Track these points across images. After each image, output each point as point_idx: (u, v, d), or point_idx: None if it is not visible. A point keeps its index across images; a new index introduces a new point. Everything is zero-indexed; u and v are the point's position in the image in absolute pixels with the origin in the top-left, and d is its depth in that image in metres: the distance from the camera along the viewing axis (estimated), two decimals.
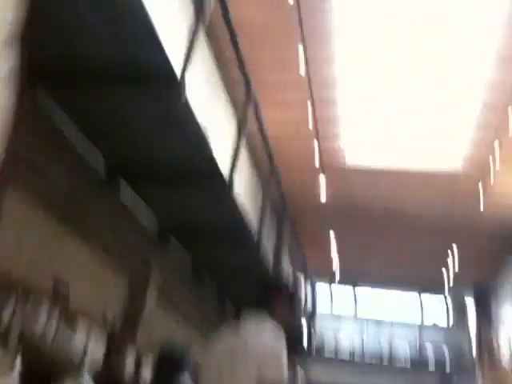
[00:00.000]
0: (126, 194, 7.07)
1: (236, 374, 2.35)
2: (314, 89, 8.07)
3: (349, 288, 17.11)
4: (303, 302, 13.19)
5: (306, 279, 13.50)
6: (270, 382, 2.29)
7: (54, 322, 5.63)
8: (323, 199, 11.20)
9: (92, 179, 6.41)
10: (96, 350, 6.58)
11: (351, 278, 16.85)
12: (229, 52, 6.40)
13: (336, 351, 16.21)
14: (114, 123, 5.69)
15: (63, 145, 5.76)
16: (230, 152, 6.84)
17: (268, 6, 7.42)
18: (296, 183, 10.77)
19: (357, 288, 17.46)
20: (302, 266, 12.84)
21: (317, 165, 10.42)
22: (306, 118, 8.67)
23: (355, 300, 17.14)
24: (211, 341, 2.65)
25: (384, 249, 14.21)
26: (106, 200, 6.74)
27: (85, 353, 6.25)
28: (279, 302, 2.74)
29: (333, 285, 17.32)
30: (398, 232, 13.01)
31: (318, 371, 13.52)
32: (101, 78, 4.93)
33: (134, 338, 7.47)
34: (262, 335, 2.45)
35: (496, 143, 10.09)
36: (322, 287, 16.91)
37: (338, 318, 17.31)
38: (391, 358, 16.10)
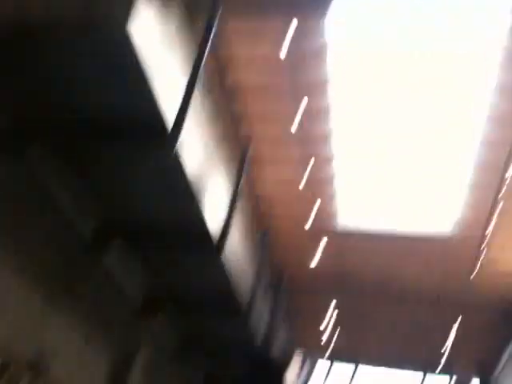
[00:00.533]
0: (113, 259, 6.57)
1: None
2: (309, 146, 7.94)
3: (348, 366, 16.24)
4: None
5: (302, 356, 12.89)
6: None
7: None
8: (316, 264, 10.75)
9: (78, 243, 5.94)
10: None
11: (350, 353, 16.06)
12: (224, 108, 6.26)
13: None
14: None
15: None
16: (222, 214, 6.50)
17: (263, 67, 7.39)
18: (289, 248, 10.41)
19: (356, 366, 16.60)
20: (295, 340, 12.28)
21: (309, 227, 10.08)
22: (300, 177, 8.48)
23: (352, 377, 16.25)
24: None
25: (383, 320, 13.61)
26: (91, 266, 6.24)
27: None
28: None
29: (329, 362, 16.48)
30: (396, 301, 12.52)
31: None
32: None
33: None
34: None
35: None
36: (320, 364, 16.04)
37: None
38: None
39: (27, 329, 5.33)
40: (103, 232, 6.00)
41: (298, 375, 13.19)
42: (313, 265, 10.60)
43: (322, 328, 13.60)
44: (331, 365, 16.08)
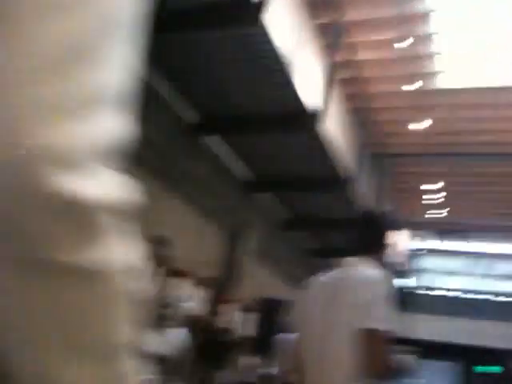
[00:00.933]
0: (217, 146, 6.90)
1: (330, 313, 2.14)
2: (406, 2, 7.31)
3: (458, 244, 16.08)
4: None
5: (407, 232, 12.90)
6: (367, 324, 2.01)
7: (159, 280, 5.61)
8: (419, 128, 10.17)
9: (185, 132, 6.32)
10: (198, 307, 6.54)
11: (456, 229, 15.81)
12: None
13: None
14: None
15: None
16: (319, 93, 6.39)
17: None
18: (391, 111, 9.97)
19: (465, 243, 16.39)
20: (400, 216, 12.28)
21: (409, 88, 9.48)
22: (398, 37, 7.91)
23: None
24: (305, 284, 2.42)
25: (490, 192, 13.07)
26: (199, 153, 6.64)
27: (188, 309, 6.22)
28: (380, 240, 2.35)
29: (437, 238, 16.40)
30: (503, 169, 11.85)
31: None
32: None
33: (235, 294, 7.39)
34: (363, 275, 2.19)
35: None
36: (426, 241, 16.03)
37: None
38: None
39: (153, 212, 5.89)
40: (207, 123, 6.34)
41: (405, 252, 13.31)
42: (414, 126, 10.13)
43: (426, 202, 13.47)
44: (439, 240, 16.13)
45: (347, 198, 8.05)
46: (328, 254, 9.78)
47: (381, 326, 2.00)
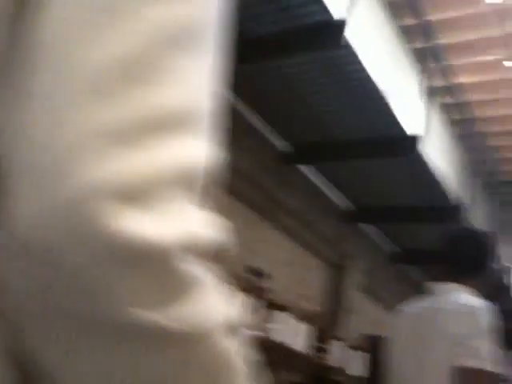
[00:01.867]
0: (314, 176, 6.93)
1: (424, 351, 1.88)
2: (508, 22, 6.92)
3: None
4: None
5: None
6: (468, 362, 1.73)
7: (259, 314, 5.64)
8: None
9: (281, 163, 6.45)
10: (304, 343, 6.46)
11: None
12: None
13: None
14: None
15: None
16: (420, 118, 6.22)
17: None
18: (501, 136, 9.35)
19: None
20: None
21: None
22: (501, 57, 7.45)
23: None
24: (393, 316, 2.22)
25: None
26: (295, 183, 6.71)
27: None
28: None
29: None
30: None
31: None
32: None
33: (342, 331, 7.21)
34: (463, 304, 1.92)
35: None
36: None
37: None
38: None
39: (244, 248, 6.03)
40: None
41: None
42: None
43: None
44: None
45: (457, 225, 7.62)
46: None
47: (486, 365, 1.72)
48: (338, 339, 7.02)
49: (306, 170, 6.86)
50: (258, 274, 5.86)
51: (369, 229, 8.08)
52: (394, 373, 2.01)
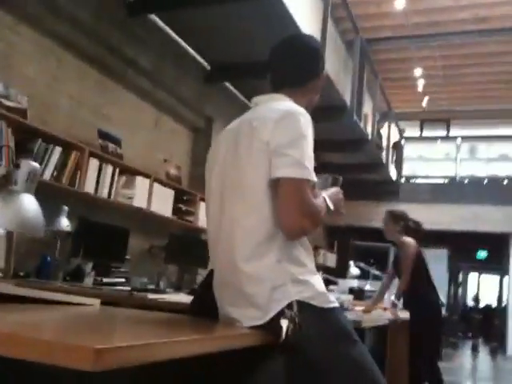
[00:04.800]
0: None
1: (242, 156, 1.79)
2: None
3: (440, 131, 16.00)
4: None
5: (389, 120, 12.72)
6: (288, 172, 1.69)
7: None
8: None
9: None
10: (167, 207, 6.55)
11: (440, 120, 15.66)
12: None
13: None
14: None
15: None
16: None
17: None
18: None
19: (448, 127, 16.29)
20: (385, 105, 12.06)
21: None
22: None
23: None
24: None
25: (476, 75, 12.79)
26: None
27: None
28: None
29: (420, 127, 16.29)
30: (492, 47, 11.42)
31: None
32: None
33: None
34: (276, 108, 1.79)
35: None
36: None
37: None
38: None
39: (105, 108, 5.74)
40: None
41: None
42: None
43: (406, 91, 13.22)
44: (422, 129, 16.09)
45: None
46: None
47: (307, 174, 1.69)
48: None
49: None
50: (114, 139, 5.70)
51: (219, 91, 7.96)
52: (211, 192, 1.92)
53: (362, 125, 9.58)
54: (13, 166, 2.14)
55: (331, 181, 2.11)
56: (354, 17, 8.89)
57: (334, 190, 2.03)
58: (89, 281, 4.77)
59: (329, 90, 7.60)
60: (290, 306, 1.66)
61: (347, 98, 8.63)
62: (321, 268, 10.03)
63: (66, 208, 4.79)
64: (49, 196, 4.88)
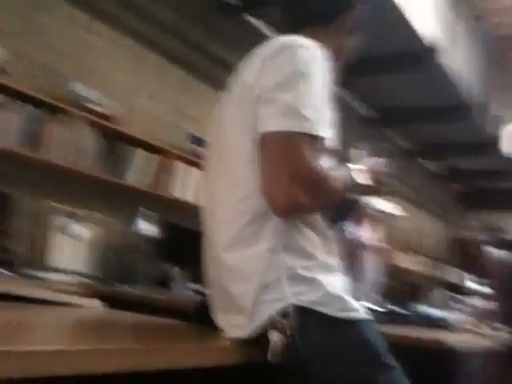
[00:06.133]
0: None
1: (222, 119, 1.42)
2: None
3: None
4: None
5: None
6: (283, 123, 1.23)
7: None
8: None
9: None
10: None
11: None
12: None
13: None
14: None
15: None
16: None
17: None
18: None
19: None
20: None
21: None
22: None
23: None
24: None
25: None
26: None
27: None
28: None
29: None
30: None
31: None
32: None
33: None
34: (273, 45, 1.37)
35: None
36: None
37: None
38: None
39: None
40: None
41: None
42: None
43: None
44: None
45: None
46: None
47: (306, 128, 1.22)
48: None
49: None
50: (201, 141, 5.54)
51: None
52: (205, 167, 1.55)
53: (491, 126, 8.64)
54: None
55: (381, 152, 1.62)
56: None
57: (371, 160, 1.52)
58: (175, 287, 4.62)
59: (454, 87, 7.03)
60: (283, 311, 1.24)
61: (476, 96, 7.84)
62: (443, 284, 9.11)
63: (150, 212, 4.71)
64: (133, 199, 4.87)
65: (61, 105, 4.17)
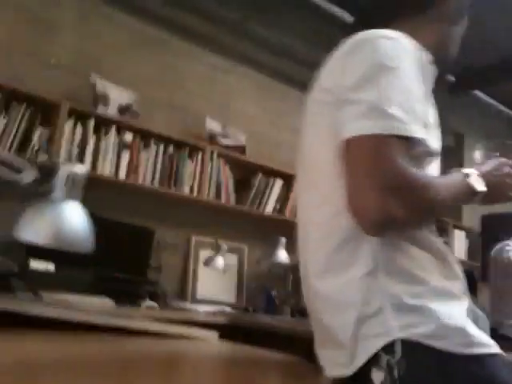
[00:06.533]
0: None
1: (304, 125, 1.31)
2: None
3: None
4: None
5: None
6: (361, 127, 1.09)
7: None
8: None
9: None
10: None
11: None
12: None
13: None
14: None
15: None
16: None
17: None
18: None
19: None
20: None
21: None
22: None
23: None
24: None
25: None
26: None
27: None
28: None
29: None
30: None
31: None
32: None
33: None
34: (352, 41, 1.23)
35: None
36: None
37: None
38: None
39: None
40: None
41: None
42: None
43: None
44: None
45: None
46: None
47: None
48: None
49: None
50: None
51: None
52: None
53: None
54: None
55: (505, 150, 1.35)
56: None
57: (494, 161, 1.27)
58: None
59: None
60: (389, 347, 1.07)
61: None
62: None
63: (285, 240, 4.67)
64: (271, 229, 4.87)
65: (198, 143, 4.37)
